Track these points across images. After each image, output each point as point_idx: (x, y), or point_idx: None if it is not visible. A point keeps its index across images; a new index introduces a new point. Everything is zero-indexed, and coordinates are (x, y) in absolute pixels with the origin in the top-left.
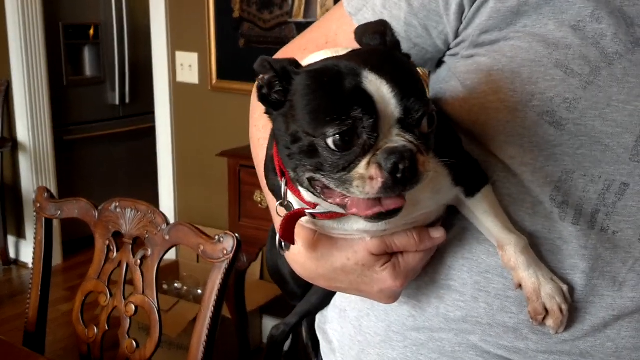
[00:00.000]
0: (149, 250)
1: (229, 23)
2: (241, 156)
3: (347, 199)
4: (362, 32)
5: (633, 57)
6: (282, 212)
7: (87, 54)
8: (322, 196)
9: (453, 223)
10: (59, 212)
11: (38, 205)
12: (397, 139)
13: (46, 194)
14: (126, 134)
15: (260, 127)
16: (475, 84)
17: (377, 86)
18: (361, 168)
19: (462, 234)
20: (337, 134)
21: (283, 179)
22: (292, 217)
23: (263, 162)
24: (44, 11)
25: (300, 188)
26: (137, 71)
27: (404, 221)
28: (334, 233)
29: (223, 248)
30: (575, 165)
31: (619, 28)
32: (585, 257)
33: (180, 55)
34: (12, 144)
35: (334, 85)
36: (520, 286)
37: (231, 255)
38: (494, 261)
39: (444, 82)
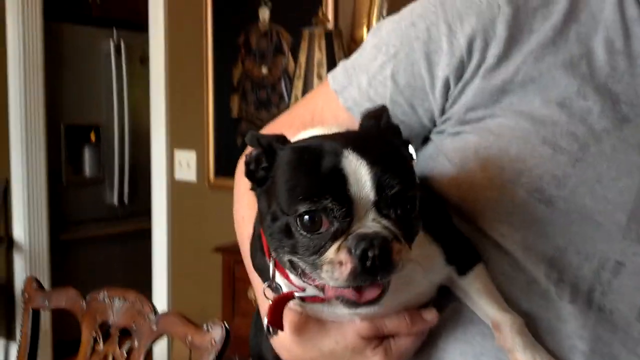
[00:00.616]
0: (136, 341)
1: (228, 122)
2: (236, 252)
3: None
4: (364, 117)
5: (621, 134)
6: (270, 294)
7: (87, 154)
8: (303, 278)
9: (445, 304)
10: (47, 302)
11: (26, 295)
12: (371, 225)
13: (35, 284)
14: (124, 234)
15: (244, 204)
16: (463, 162)
17: (354, 168)
18: (331, 252)
19: (454, 315)
20: (307, 213)
21: (272, 259)
22: (281, 301)
23: (247, 240)
24: (46, 112)
25: (286, 270)
26: (136, 171)
27: (396, 302)
28: (322, 316)
29: (211, 338)
30: (567, 243)
31: (605, 104)
32: (584, 338)
33: (179, 153)
34: (8, 243)
35: (312, 164)
36: None
37: (220, 345)
38: (489, 343)
39: (431, 159)
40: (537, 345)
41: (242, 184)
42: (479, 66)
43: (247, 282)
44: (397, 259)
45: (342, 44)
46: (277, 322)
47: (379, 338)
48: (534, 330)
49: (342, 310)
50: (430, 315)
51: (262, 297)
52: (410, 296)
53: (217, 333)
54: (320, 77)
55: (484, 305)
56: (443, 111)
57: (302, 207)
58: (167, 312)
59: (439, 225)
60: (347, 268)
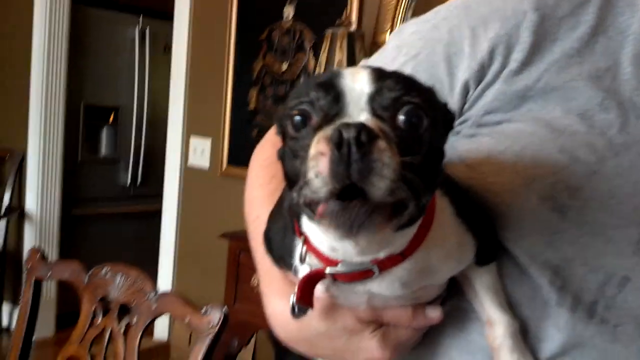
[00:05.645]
0: (135, 318)
1: (244, 114)
2: (242, 239)
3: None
4: None
5: None
6: (298, 274)
7: (104, 134)
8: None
9: (445, 298)
10: (50, 274)
11: (29, 265)
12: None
13: (38, 255)
14: (134, 214)
15: (256, 186)
16: (476, 164)
17: (353, 74)
18: (313, 145)
19: (454, 311)
20: (295, 107)
21: (302, 235)
22: (312, 278)
23: (255, 221)
24: (67, 91)
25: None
26: (151, 154)
27: (418, 285)
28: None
29: (209, 320)
30: (575, 254)
31: (627, 120)
32: (577, 347)
33: (195, 140)
34: (20, 213)
35: (310, 81)
36: None
37: (217, 329)
38: (485, 342)
39: (446, 159)
40: (526, 352)
41: (254, 168)
42: (500, 70)
43: (251, 269)
44: (378, 157)
45: (364, 46)
46: (306, 300)
47: (377, 323)
48: (529, 336)
49: (359, 296)
50: (434, 313)
51: (266, 277)
52: (429, 288)
53: (215, 316)
54: None
55: (487, 301)
56: (461, 113)
57: (292, 104)
58: (167, 291)
59: (473, 213)
60: (325, 157)
